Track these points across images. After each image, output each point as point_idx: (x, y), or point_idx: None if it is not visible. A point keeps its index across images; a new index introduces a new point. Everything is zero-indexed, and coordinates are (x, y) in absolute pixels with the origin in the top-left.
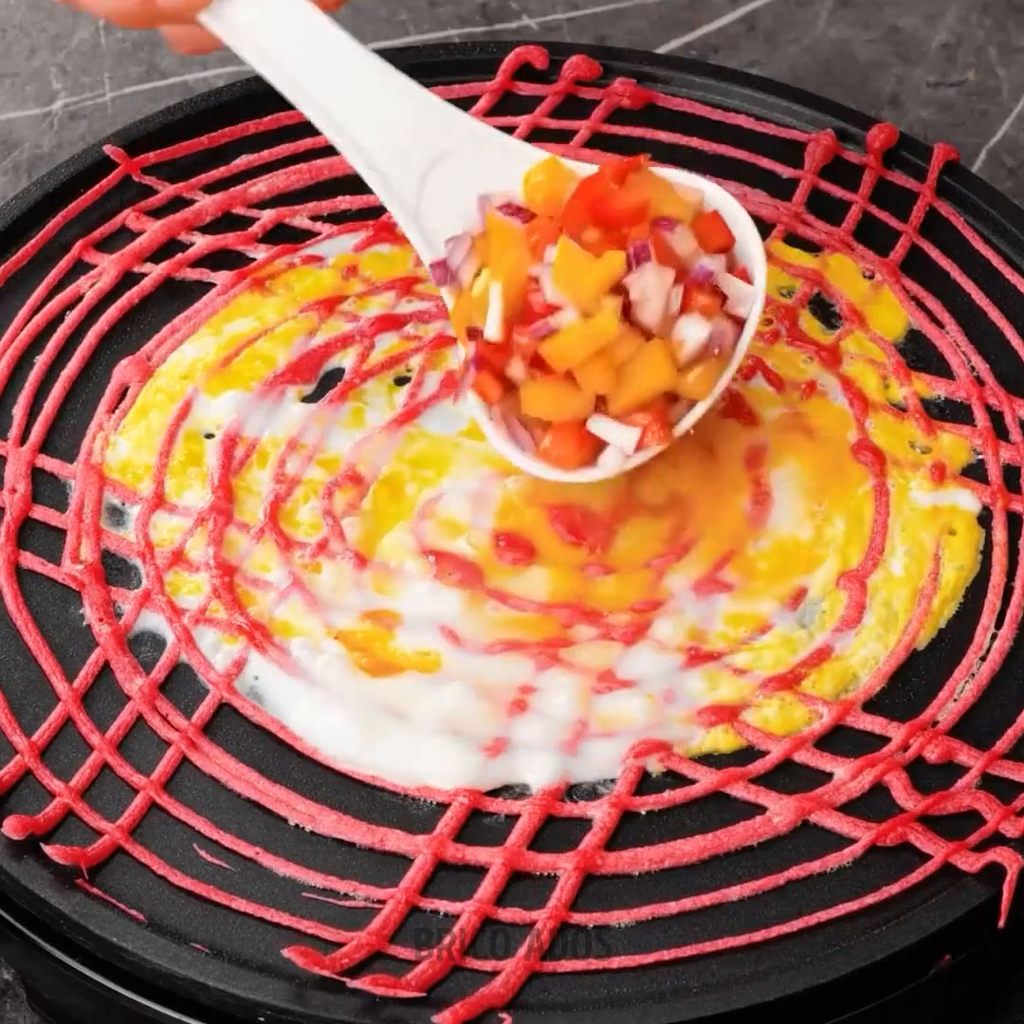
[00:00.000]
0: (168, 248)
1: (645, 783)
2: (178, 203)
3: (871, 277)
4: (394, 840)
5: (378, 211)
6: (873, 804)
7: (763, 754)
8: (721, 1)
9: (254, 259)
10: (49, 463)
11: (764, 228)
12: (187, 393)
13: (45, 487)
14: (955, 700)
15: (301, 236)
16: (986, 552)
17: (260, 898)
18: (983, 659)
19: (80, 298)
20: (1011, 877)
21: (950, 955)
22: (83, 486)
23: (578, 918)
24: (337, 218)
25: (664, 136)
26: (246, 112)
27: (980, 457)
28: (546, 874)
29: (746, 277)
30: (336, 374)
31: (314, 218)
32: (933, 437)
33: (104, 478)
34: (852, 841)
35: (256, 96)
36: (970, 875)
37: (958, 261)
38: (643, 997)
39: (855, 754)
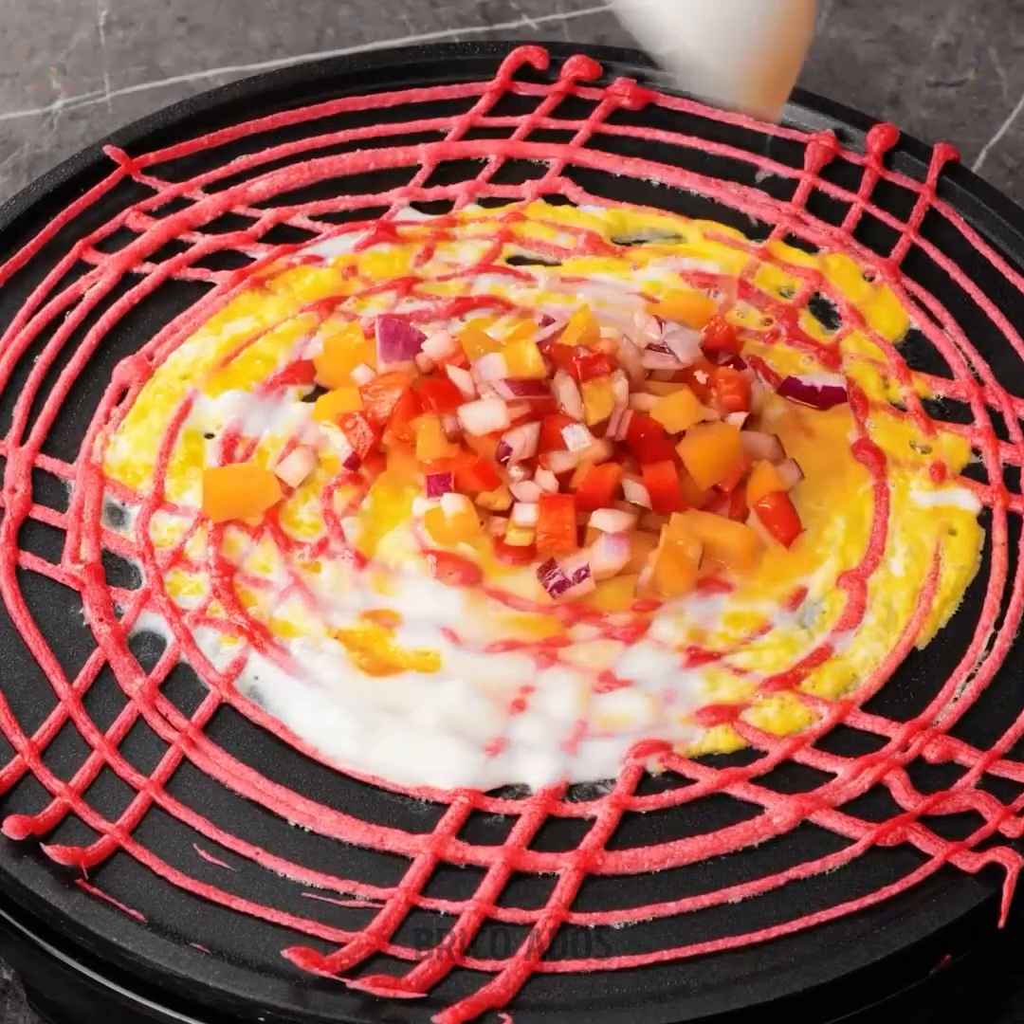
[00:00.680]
0: (168, 248)
1: (645, 783)
2: (178, 203)
3: (871, 278)
4: (394, 840)
5: (378, 211)
6: (873, 804)
7: (763, 754)
8: None
9: (254, 259)
10: (49, 463)
11: (764, 228)
12: (187, 393)
13: (45, 487)
14: (955, 700)
15: (301, 236)
16: (986, 552)
17: (260, 898)
18: (983, 659)
19: (80, 298)
20: (1011, 877)
21: (950, 955)
22: (83, 486)
23: (578, 918)
24: (337, 218)
25: (664, 136)
26: (246, 112)
27: (980, 457)
28: (546, 874)
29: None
30: None
31: (314, 218)
32: (933, 437)
33: (104, 478)
34: (852, 841)
35: (256, 96)
36: (970, 875)
37: (958, 261)
38: (643, 997)
39: (855, 754)
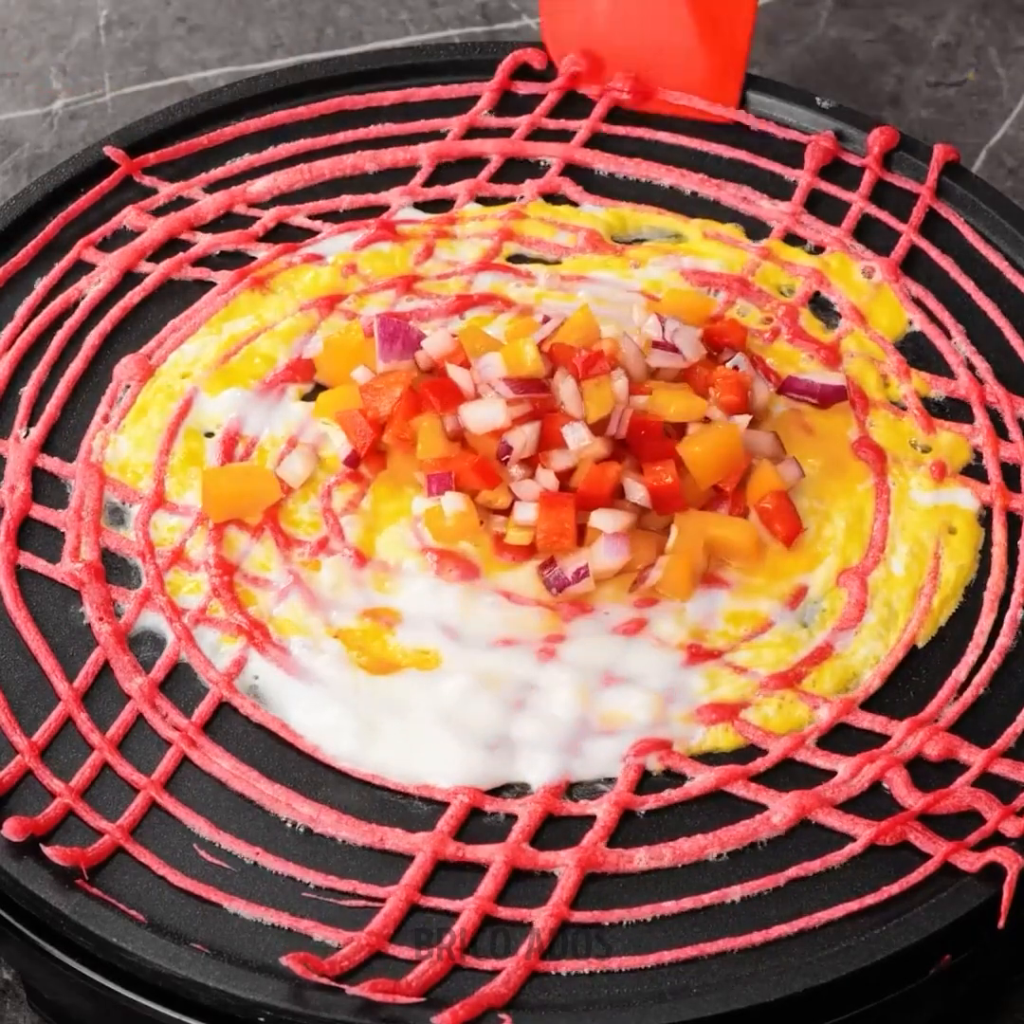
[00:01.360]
0: (168, 247)
1: (645, 781)
2: (178, 203)
3: (871, 277)
4: (394, 839)
5: (379, 210)
6: (873, 803)
7: (763, 752)
8: None
9: (254, 258)
10: (49, 462)
11: (764, 228)
12: (187, 392)
13: (45, 486)
14: (955, 698)
15: (301, 235)
16: (985, 551)
17: (260, 898)
18: (983, 657)
19: (81, 298)
20: (1011, 877)
21: (950, 955)
22: (83, 485)
23: (578, 917)
24: (337, 217)
25: (664, 136)
26: (246, 112)
27: (980, 456)
28: (546, 872)
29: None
30: None
31: (314, 217)
32: (933, 435)
33: (104, 477)
34: (852, 840)
35: (256, 96)
36: (970, 875)
37: (958, 261)
38: (643, 997)
39: (855, 752)
